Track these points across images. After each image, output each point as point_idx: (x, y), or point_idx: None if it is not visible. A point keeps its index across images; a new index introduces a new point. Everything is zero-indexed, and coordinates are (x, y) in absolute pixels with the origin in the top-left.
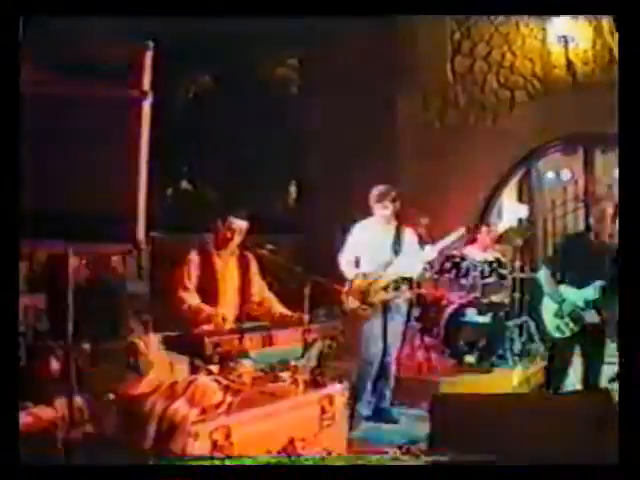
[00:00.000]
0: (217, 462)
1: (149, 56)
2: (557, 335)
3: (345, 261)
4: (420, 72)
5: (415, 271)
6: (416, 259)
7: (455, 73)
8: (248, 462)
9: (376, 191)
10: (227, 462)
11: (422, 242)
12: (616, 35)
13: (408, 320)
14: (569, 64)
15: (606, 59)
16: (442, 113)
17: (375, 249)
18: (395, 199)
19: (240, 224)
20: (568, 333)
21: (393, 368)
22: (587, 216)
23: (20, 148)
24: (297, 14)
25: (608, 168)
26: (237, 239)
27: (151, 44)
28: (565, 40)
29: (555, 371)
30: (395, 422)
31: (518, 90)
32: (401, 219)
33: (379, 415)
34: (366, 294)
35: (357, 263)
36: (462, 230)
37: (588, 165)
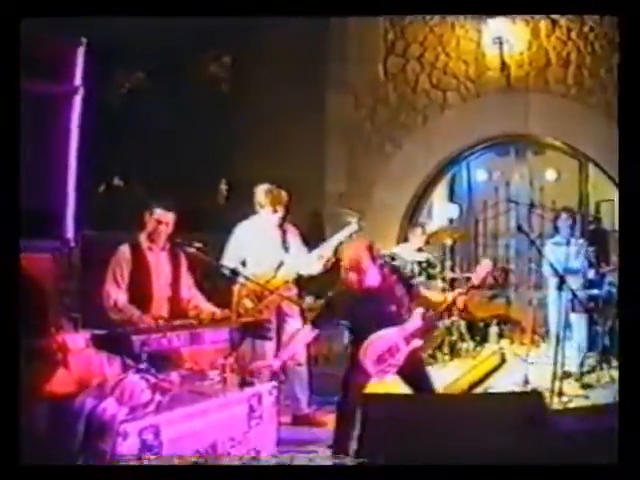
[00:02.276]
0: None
1: (81, 52)
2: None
3: (229, 262)
4: (352, 71)
5: (312, 269)
6: (307, 257)
7: (387, 73)
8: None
9: (260, 190)
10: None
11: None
12: (553, 37)
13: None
14: (503, 66)
15: (541, 62)
16: (373, 112)
17: (262, 249)
18: (281, 201)
19: (167, 215)
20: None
21: (302, 372)
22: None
23: None
24: (230, 13)
25: (540, 170)
26: (166, 231)
27: (84, 40)
28: (500, 42)
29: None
30: (319, 425)
31: (450, 91)
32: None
33: (302, 420)
34: (260, 296)
35: (243, 264)
36: (354, 226)
37: (519, 166)
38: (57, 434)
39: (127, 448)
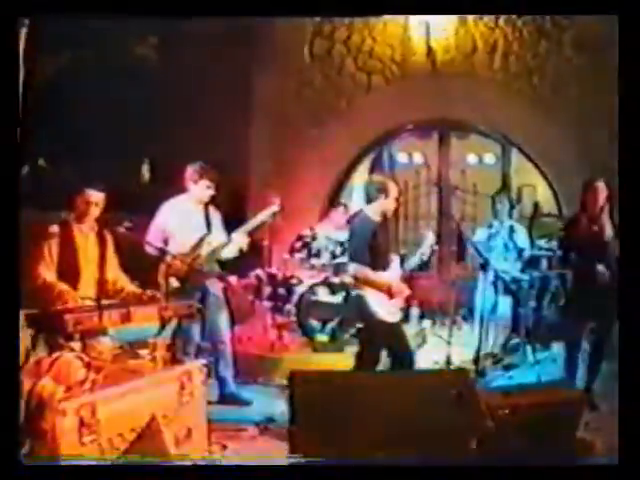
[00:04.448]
0: None
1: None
2: (392, 319)
3: (153, 241)
4: (278, 53)
5: (229, 253)
6: (225, 240)
7: (313, 55)
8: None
9: (192, 169)
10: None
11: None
12: (480, 24)
13: (229, 304)
14: (429, 51)
15: (468, 48)
16: (298, 94)
17: (186, 229)
18: (214, 178)
19: (97, 196)
20: (400, 314)
21: (226, 351)
22: (440, 200)
23: None
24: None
25: (463, 153)
26: (95, 212)
27: (26, 21)
28: (427, 27)
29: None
30: (247, 403)
31: (375, 74)
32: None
33: (228, 398)
34: (185, 275)
35: (166, 242)
36: (274, 207)
37: (442, 150)
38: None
39: (67, 426)
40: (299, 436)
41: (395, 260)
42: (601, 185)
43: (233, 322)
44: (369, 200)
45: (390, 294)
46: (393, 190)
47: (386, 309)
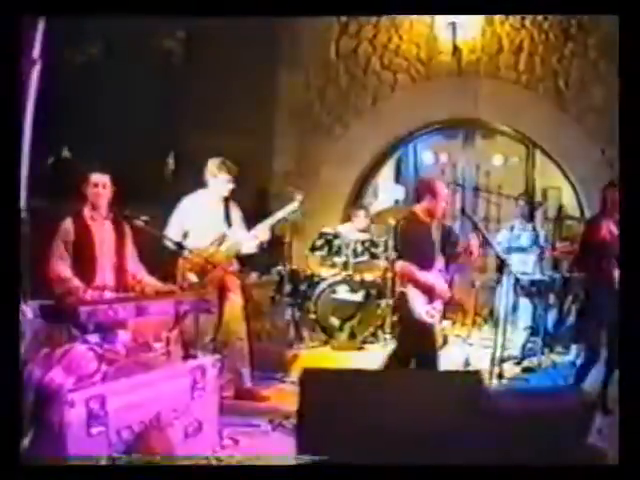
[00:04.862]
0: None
1: (41, 27)
2: (431, 320)
3: (172, 235)
4: (304, 51)
5: (249, 248)
6: (245, 236)
7: (339, 53)
8: None
9: (212, 163)
10: None
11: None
12: (506, 24)
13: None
14: (455, 50)
15: (494, 48)
16: (323, 92)
17: (206, 224)
18: (234, 172)
19: (103, 178)
20: (438, 316)
21: (243, 347)
22: (463, 200)
23: None
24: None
25: (488, 154)
26: (105, 195)
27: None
28: (454, 27)
29: (423, 354)
30: (263, 399)
31: (401, 73)
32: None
33: (244, 394)
34: (203, 270)
35: (185, 236)
36: (295, 204)
37: (467, 150)
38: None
39: (75, 417)
40: (306, 433)
41: (440, 261)
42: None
43: (248, 318)
44: (418, 199)
45: (432, 295)
46: (442, 191)
47: (425, 310)
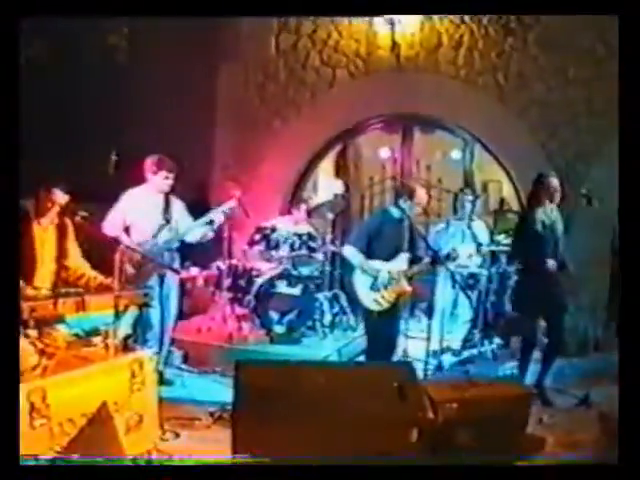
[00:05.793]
0: None
1: None
2: (375, 308)
3: (113, 229)
4: (244, 46)
5: (191, 239)
6: (188, 227)
7: (279, 49)
8: None
9: (151, 161)
10: None
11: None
12: (445, 20)
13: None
14: (394, 46)
15: (433, 43)
16: (262, 87)
17: (145, 218)
18: (172, 169)
19: (61, 196)
20: (386, 305)
21: (167, 339)
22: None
23: None
24: None
25: (428, 149)
26: (56, 209)
27: None
28: (392, 22)
29: (375, 343)
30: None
31: (340, 69)
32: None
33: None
34: (141, 263)
35: (127, 231)
36: (233, 201)
37: (407, 144)
38: None
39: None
40: (241, 425)
41: (403, 255)
42: (553, 180)
43: (181, 312)
44: (396, 198)
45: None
46: (420, 196)
47: (371, 297)
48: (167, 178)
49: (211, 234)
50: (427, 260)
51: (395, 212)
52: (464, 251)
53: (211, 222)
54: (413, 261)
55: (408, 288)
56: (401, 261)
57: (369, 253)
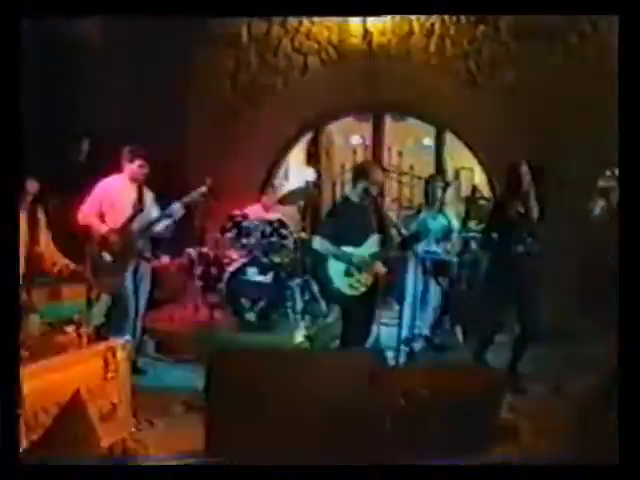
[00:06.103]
0: None
1: None
2: (351, 293)
3: (87, 215)
4: (216, 32)
5: (160, 228)
6: (157, 216)
7: (251, 35)
8: None
9: (127, 149)
10: None
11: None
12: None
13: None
14: (366, 33)
15: (404, 31)
16: (234, 74)
17: (119, 206)
18: (147, 158)
19: (32, 185)
20: (363, 289)
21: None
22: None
23: None
24: None
25: (399, 135)
26: (28, 199)
27: None
28: None
29: (351, 328)
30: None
31: (311, 56)
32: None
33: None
34: (117, 251)
35: (102, 218)
36: (203, 188)
37: (378, 131)
38: None
39: None
40: (214, 412)
41: (373, 238)
42: (524, 168)
43: (154, 300)
44: (353, 182)
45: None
46: (375, 174)
47: (346, 282)
48: (142, 167)
49: (172, 226)
50: (398, 240)
51: (354, 196)
52: (434, 237)
53: (170, 215)
54: (384, 242)
55: (383, 269)
56: (372, 244)
57: (339, 241)
